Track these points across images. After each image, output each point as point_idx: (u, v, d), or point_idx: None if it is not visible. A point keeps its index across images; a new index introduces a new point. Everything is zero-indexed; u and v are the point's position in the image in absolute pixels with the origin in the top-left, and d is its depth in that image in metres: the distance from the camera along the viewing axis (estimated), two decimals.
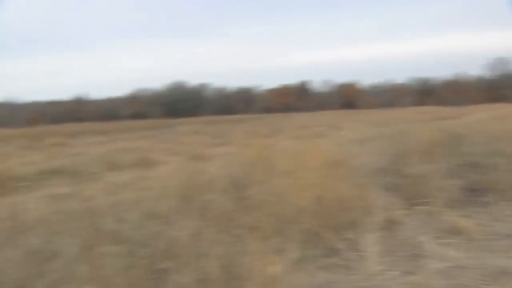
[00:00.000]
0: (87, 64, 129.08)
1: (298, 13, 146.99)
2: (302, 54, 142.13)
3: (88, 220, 5.02)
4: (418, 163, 6.91)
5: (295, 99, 73.95)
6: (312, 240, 4.66)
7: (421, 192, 6.16)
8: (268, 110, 65.27)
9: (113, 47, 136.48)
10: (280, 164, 6.62)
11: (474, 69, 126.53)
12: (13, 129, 38.11)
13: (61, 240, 4.58)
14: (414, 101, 69.63)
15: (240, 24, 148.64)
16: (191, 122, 34.53)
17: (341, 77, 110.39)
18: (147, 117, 49.97)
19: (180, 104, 60.51)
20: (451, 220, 5.33)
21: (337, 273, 4.13)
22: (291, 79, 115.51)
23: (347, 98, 76.98)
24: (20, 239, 4.49)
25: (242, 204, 5.36)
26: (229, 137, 19.28)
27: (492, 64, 74.02)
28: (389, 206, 5.64)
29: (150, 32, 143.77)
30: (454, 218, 5.36)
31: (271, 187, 5.46)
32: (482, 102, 53.19)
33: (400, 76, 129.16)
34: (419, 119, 25.05)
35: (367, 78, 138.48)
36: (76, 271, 3.41)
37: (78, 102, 67.35)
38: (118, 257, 3.67)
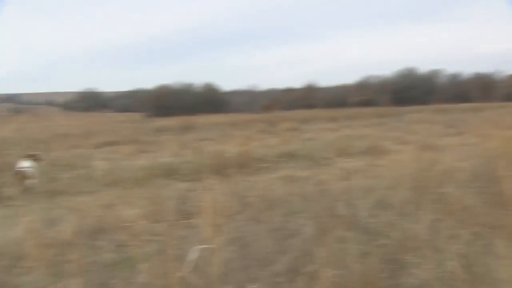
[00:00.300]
0: (319, 53, 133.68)
1: None
2: None
3: (322, 203, 5.20)
4: None
5: None
6: None
7: None
8: None
9: (343, 35, 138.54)
10: None
11: None
12: (252, 114, 41.74)
13: (298, 220, 4.85)
14: None
15: (475, 5, 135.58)
16: (421, 110, 32.89)
17: None
18: (375, 104, 49.39)
19: (410, 92, 58.23)
20: None
21: None
22: None
23: None
24: (264, 215, 4.89)
25: (485, 200, 4.90)
26: (465, 127, 17.82)
27: None
28: None
29: (378, 19, 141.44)
30: None
31: None
32: None
33: None
34: None
35: None
36: (314, 252, 3.54)
37: (309, 89, 70.20)
38: (353, 243, 3.70)
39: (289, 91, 72.30)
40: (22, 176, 8.36)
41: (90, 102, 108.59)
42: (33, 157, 8.92)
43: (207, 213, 3.57)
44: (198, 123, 28.68)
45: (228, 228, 3.61)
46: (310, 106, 53.09)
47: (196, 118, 34.40)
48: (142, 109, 68.06)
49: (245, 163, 9.84)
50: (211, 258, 3.22)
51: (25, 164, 8.59)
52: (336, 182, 7.21)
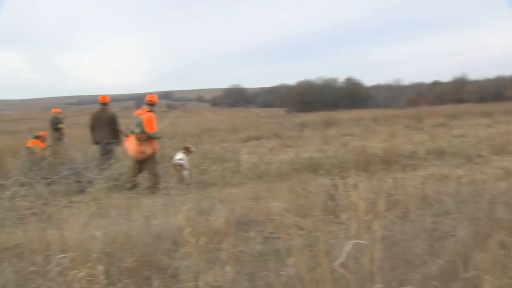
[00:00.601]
0: (470, 43, 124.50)
1: None
2: None
3: (479, 204, 4.82)
4: None
5: None
6: None
7: None
8: None
9: (500, 22, 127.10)
10: None
11: None
12: (396, 109, 40.33)
13: (451, 221, 4.56)
14: None
15: None
16: None
17: None
18: None
19: None
20: None
21: None
22: None
23: None
24: (413, 215, 4.67)
25: None
26: None
27: None
28: None
29: None
30: None
31: None
32: None
33: None
34: None
35: None
36: (471, 257, 3.28)
37: (459, 82, 65.85)
38: None
39: (436, 85, 68.69)
40: (179, 167, 9.02)
41: (235, 98, 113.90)
42: (186, 150, 9.57)
43: (354, 210, 3.49)
44: (340, 118, 28.53)
45: (376, 225, 3.50)
46: (460, 100, 49.89)
47: (338, 113, 34.27)
48: (284, 105, 69.59)
49: (390, 160, 9.51)
50: (360, 255, 3.15)
51: (181, 156, 9.25)
52: (494, 182, 6.64)
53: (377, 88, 77.49)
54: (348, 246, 2.86)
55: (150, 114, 8.62)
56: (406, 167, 9.20)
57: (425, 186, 6.04)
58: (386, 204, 5.01)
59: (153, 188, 8.20)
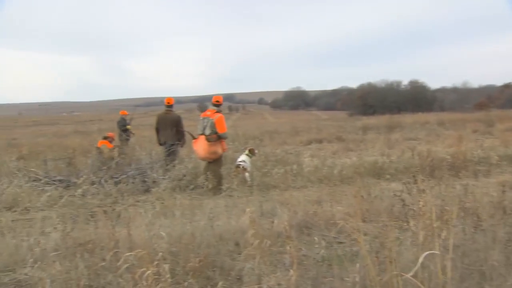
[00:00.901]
0: None
1: None
2: None
3: None
4: None
5: None
6: None
7: None
8: None
9: None
10: None
11: None
12: (464, 113, 38.73)
13: None
14: None
15: None
16: None
17: None
18: None
19: None
20: None
21: None
22: None
23: None
24: (487, 224, 4.46)
25: None
26: None
27: None
28: None
29: None
30: None
31: None
32: None
33: None
34: None
35: None
36: None
37: None
38: None
39: (508, 87, 65.46)
40: (241, 169, 9.07)
41: (296, 100, 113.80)
42: (251, 152, 9.63)
43: (422, 216, 3.37)
44: (403, 122, 27.78)
45: (445, 234, 3.35)
46: None
47: (402, 116, 33.41)
48: (346, 108, 68.76)
49: (458, 165, 9.13)
50: (429, 264, 3.03)
51: (243, 158, 9.32)
52: None
53: (443, 91, 75.06)
54: (422, 255, 2.75)
55: (220, 114, 8.70)
56: (476, 173, 8.80)
57: (499, 194, 5.74)
58: (456, 211, 4.81)
59: (216, 189, 8.27)
